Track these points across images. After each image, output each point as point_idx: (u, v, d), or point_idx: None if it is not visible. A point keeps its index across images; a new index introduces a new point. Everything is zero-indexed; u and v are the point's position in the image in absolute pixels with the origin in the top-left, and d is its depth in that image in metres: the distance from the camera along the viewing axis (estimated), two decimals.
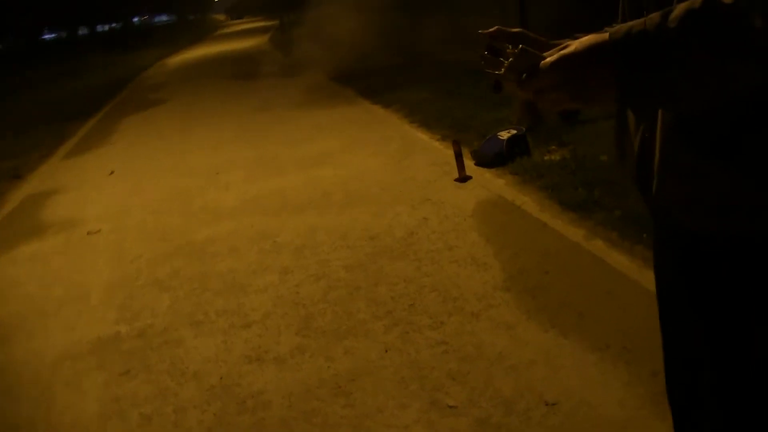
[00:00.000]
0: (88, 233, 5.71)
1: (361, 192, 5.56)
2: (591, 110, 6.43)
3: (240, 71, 17.01)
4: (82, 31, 58.33)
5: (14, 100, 18.17)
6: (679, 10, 0.88)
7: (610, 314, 3.08)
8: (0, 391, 3.38)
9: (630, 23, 0.93)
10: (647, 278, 3.36)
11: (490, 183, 5.28)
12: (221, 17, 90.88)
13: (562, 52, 0.98)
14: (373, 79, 11.23)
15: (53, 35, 65.22)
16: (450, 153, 6.00)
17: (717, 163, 1.00)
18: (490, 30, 1.11)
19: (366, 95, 10.19)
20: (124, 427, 2.90)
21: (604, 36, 0.95)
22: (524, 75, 1.02)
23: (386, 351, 3.07)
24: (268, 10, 68.93)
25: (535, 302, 3.30)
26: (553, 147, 5.81)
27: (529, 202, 4.72)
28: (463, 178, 5.41)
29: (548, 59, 0.99)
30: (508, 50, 1.07)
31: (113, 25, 64.51)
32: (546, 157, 5.57)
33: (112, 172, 7.90)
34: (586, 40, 0.97)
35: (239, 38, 34.88)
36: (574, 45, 0.98)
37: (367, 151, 6.91)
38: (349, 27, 13.68)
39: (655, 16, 0.90)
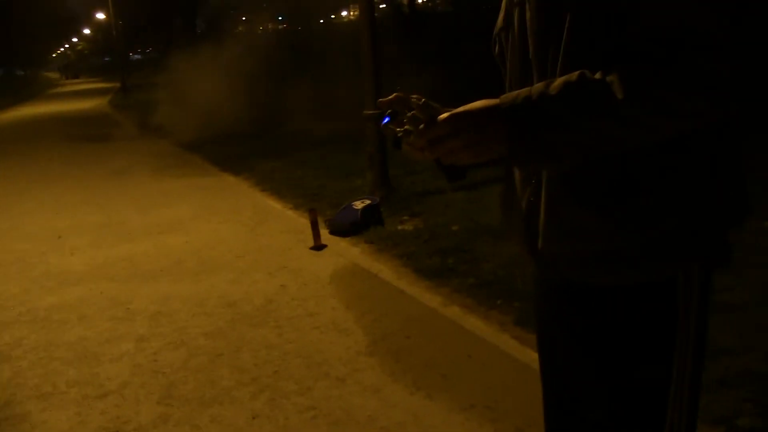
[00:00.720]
0: None
1: (216, 259, 5.52)
2: (439, 183, 6.84)
3: (80, 133, 16.34)
4: None
5: None
6: (558, 81, 1.07)
7: (472, 375, 3.25)
8: None
9: (518, 91, 1.10)
10: (504, 341, 3.60)
11: (345, 251, 5.42)
12: (55, 75, 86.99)
13: (460, 108, 1.12)
14: (225, 146, 11.18)
15: None
16: (304, 221, 6.13)
17: (597, 217, 1.17)
18: (390, 97, 1.23)
19: (216, 163, 10.12)
20: None
21: (496, 100, 1.11)
22: (422, 125, 1.14)
23: (254, 418, 3.06)
24: (107, 71, 67.20)
25: (399, 365, 3.42)
26: (406, 217, 6.07)
27: (385, 270, 4.89)
28: (319, 247, 5.52)
29: (446, 112, 1.12)
30: (407, 112, 1.19)
31: None
32: (399, 227, 5.80)
33: None
34: (480, 102, 1.12)
35: (77, 98, 33.55)
36: (470, 105, 1.12)
37: (218, 219, 6.88)
38: (200, 91, 13.61)
39: (539, 86, 1.09)
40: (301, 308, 4.31)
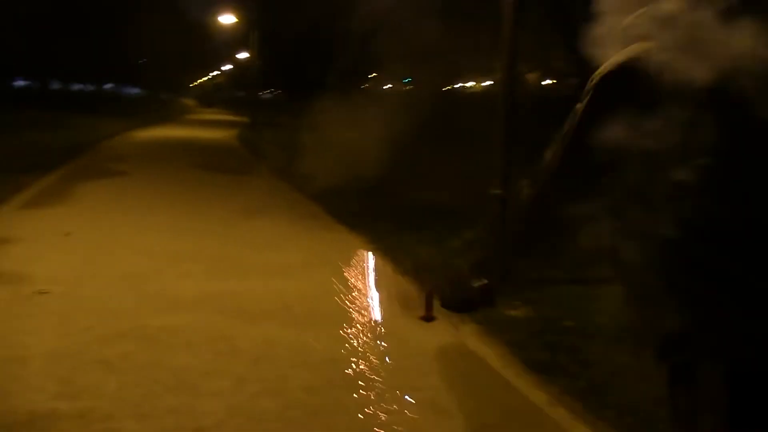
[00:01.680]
0: (38, 292, 5.49)
1: (323, 311, 5.51)
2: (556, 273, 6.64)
3: (206, 161, 17.06)
4: (54, 85, 58.24)
5: None
6: None
7: None
8: None
9: None
10: None
11: (454, 328, 5.30)
12: (191, 102, 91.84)
13: None
14: (344, 199, 11.27)
15: (25, 83, 64.96)
16: (415, 289, 6.04)
17: None
18: None
19: (333, 214, 10.23)
20: None
21: None
22: None
23: None
24: (238, 105, 70.31)
25: None
26: (518, 303, 5.89)
27: (492, 355, 4.74)
28: (428, 318, 5.36)
29: None
30: None
31: (86, 86, 64.70)
32: (511, 312, 5.64)
33: (68, 233, 7.70)
34: None
35: (208, 127, 35.18)
36: None
37: (329, 270, 6.85)
38: (325, 139, 13.89)
39: None
40: (402, 379, 4.20)
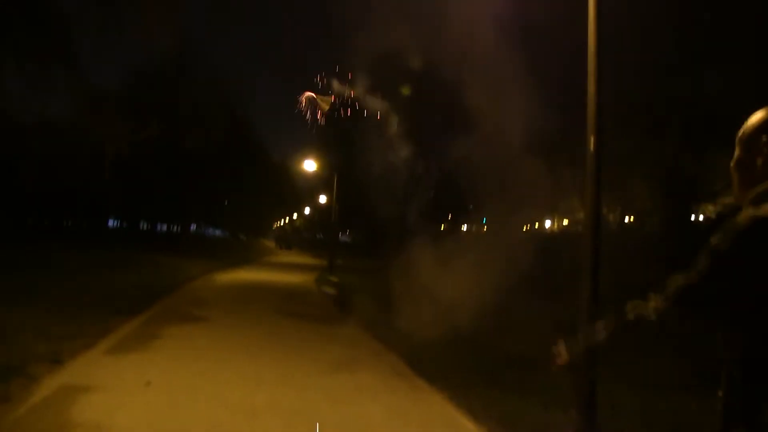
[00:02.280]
0: None
1: None
2: None
3: (286, 307, 17.25)
4: (143, 226, 61.12)
5: (66, 280, 18.56)
6: None
7: None
8: None
9: None
10: None
11: None
12: (271, 244, 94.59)
13: None
14: (422, 349, 11.07)
15: (116, 224, 68.60)
16: None
17: None
18: None
19: (412, 365, 10.04)
20: None
21: None
22: None
23: None
24: (317, 247, 71.93)
25: None
26: None
27: None
28: None
29: None
30: None
31: (173, 228, 67.70)
32: None
33: (148, 383, 7.78)
34: None
35: (287, 270, 35.90)
36: None
37: (410, 430, 6.70)
38: (403, 285, 13.87)
39: None
40: None
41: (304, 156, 37.90)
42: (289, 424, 6.56)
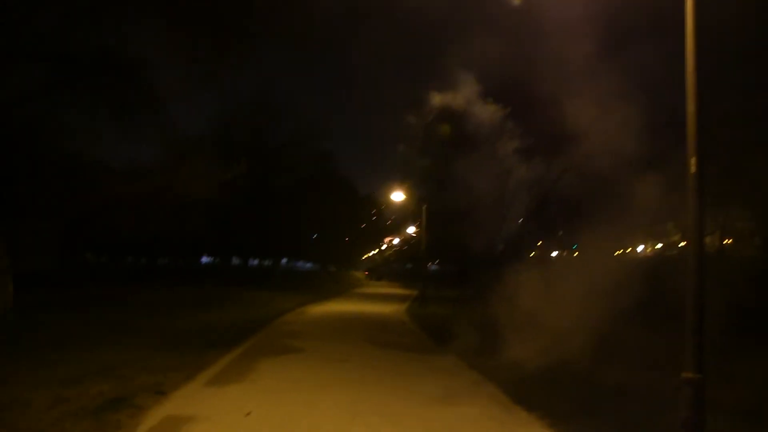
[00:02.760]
0: None
1: None
2: None
3: (379, 338, 17.26)
4: (234, 261, 62.67)
5: (163, 317, 19.23)
6: None
7: None
8: None
9: None
10: None
11: None
12: (361, 275, 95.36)
13: None
14: (516, 373, 10.86)
15: (209, 261, 70.74)
16: None
17: None
18: None
19: (508, 393, 9.84)
20: None
21: None
22: None
23: None
24: (407, 277, 71.96)
25: None
26: None
27: None
28: None
29: None
30: None
31: (264, 262, 69.20)
32: None
33: (249, 413, 7.92)
34: None
35: (377, 301, 36.04)
36: None
37: None
38: (493, 313, 13.61)
39: None
40: None
41: (392, 188, 38.12)
42: None
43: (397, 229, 65.82)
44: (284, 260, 73.92)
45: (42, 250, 26.91)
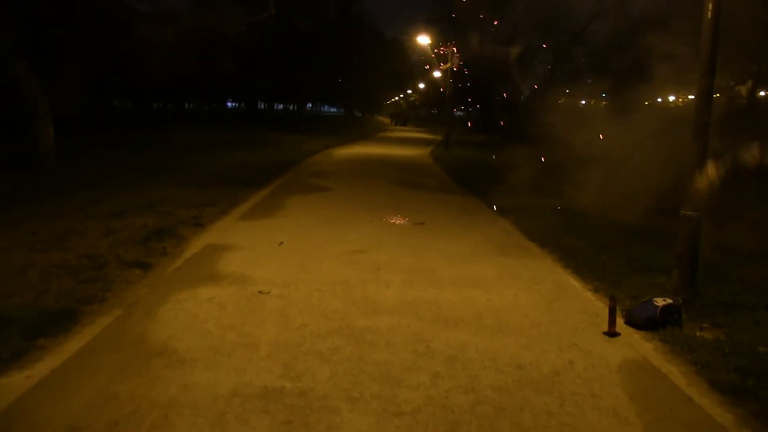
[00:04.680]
0: (260, 292, 6.34)
1: (512, 322, 5.86)
2: (750, 297, 6.53)
3: (403, 179, 17.87)
4: (260, 106, 62.85)
5: (194, 159, 19.91)
6: None
7: None
8: (174, 410, 3.88)
9: None
10: None
11: (638, 344, 5.45)
12: (386, 120, 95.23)
13: None
14: (532, 217, 11.45)
15: (234, 105, 70.74)
16: (601, 305, 6.29)
17: None
18: None
19: (523, 231, 10.45)
20: None
21: None
22: None
23: None
24: (432, 122, 72.00)
25: None
26: (707, 325, 5.89)
27: (676, 372, 4.85)
28: (612, 333, 5.62)
29: None
30: None
31: (289, 107, 69.20)
32: (698, 333, 5.66)
33: (281, 243, 8.65)
34: None
35: (402, 145, 36.47)
36: None
37: (519, 285, 7.22)
38: (513, 156, 14.02)
39: None
40: (585, 387, 4.48)
41: (421, 30, 37.52)
42: (408, 278, 7.22)
43: (423, 73, 65.05)
44: (309, 105, 73.96)
45: (73, 96, 27.38)
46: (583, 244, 9.26)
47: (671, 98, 40.45)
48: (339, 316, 5.75)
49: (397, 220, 10.95)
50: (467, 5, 36.30)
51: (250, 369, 4.51)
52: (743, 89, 30.74)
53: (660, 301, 5.91)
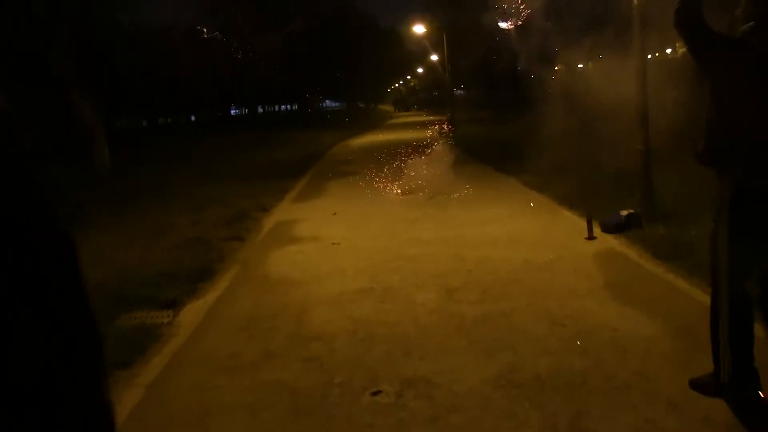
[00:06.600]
0: (333, 244, 8.63)
1: (520, 239, 8.12)
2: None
3: (415, 156, 20.00)
4: (259, 110, 64.91)
5: (228, 161, 22.18)
6: None
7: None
8: (310, 302, 6.17)
9: None
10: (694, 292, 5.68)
11: (608, 242, 7.71)
12: (389, 108, 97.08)
13: None
14: (533, 172, 13.58)
15: (235, 111, 72.80)
16: (584, 223, 8.52)
17: None
18: None
19: (526, 183, 12.65)
20: (385, 319, 5.57)
21: None
22: None
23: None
24: (434, 104, 73.80)
25: (613, 298, 5.72)
26: (661, 227, 8.03)
27: (632, 253, 7.11)
28: (591, 238, 7.86)
29: None
30: None
31: (290, 107, 71.24)
32: (653, 231, 7.83)
33: (335, 213, 10.94)
34: None
35: (409, 129, 38.55)
36: None
37: (525, 219, 9.46)
38: (513, 126, 15.90)
39: None
40: (569, 266, 6.74)
41: (414, 17, 39.48)
42: (438, 225, 9.48)
43: (420, 58, 66.99)
44: (326, 102, 75.57)
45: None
46: (573, 186, 11.41)
47: (668, 50, 41.91)
48: (395, 250, 8.05)
49: (418, 188, 13.16)
50: None
51: (346, 281, 6.81)
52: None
53: (624, 212, 8.14)
